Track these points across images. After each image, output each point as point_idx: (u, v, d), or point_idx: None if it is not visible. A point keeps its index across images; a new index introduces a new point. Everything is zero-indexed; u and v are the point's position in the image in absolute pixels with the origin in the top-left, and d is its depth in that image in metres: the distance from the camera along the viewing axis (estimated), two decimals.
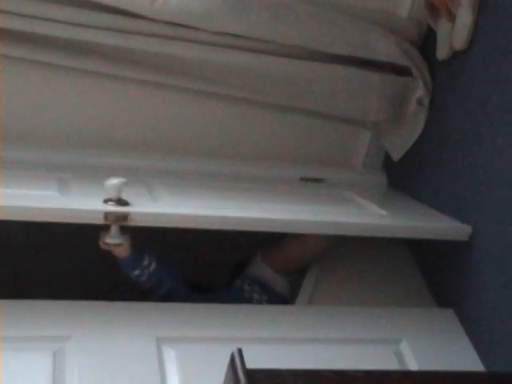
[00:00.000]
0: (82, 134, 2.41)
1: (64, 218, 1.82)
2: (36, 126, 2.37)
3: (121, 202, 1.88)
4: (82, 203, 1.89)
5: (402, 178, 2.60)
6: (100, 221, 1.84)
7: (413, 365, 1.94)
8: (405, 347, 1.99)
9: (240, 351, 1.25)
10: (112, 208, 1.85)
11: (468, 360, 2.00)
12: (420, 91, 2.43)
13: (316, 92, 2.39)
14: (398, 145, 2.55)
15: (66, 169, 2.28)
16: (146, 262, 2.10)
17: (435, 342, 2.04)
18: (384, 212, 2.18)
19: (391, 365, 1.92)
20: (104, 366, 1.74)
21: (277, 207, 2.09)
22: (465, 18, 2.26)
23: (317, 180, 2.57)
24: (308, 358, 1.87)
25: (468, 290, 2.13)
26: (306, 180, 2.55)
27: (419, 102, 2.44)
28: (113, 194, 1.87)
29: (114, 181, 1.87)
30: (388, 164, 2.69)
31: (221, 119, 2.52)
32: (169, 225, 1.89)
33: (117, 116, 2.43)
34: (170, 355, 1.81)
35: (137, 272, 2.09)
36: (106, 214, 1.83)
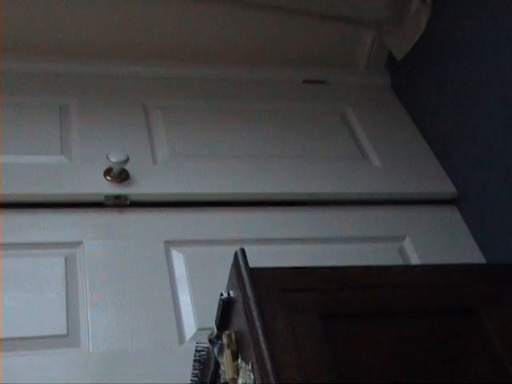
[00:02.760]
0: (84, 42, 2.41)
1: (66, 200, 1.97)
2: (37, 35, 2.35)
3: (121, 177, 1.98)
4: (83, 178, 2.00)
5: (406, 78, 2.58)
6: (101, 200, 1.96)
7: (415, 261, 1.98)
8: (408, 244, 2.03)
9: (243, 250, 1.29)
10: (111, 189, 1.96)
11: (470, 256, 2.03)
12: None
13: None
14: (401, 44, 2.51)
15: (68, 85, 2.32)
16: None
17: (438, 238, 2.07)
18: (378, 164, 2.26)
19: (395, 262, 1.96)
20: (114, 270, 1.80)
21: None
22: None
23: (319, 82, 2.56)
24: (311, 257, 1.92)
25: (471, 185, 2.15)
26: (308, 82, 2.55)
27: None
28: (115, 167, 1.97)
29: (115, 159, 1.94)
30: (391, 65, 2.67)
31: (221, 23, 2.47)
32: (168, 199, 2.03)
33: (116, 23, 2.40)
34: (179, 258, 1.86)
35: None
36: (107, 197, 1.96)
